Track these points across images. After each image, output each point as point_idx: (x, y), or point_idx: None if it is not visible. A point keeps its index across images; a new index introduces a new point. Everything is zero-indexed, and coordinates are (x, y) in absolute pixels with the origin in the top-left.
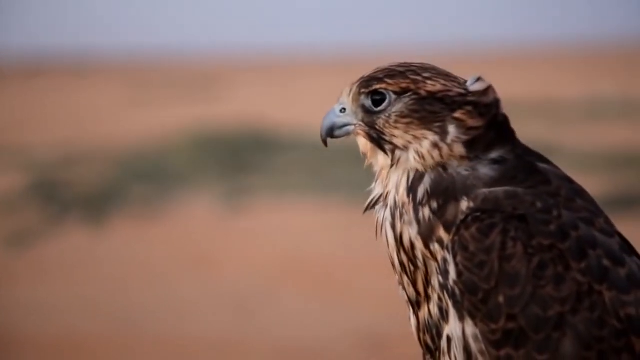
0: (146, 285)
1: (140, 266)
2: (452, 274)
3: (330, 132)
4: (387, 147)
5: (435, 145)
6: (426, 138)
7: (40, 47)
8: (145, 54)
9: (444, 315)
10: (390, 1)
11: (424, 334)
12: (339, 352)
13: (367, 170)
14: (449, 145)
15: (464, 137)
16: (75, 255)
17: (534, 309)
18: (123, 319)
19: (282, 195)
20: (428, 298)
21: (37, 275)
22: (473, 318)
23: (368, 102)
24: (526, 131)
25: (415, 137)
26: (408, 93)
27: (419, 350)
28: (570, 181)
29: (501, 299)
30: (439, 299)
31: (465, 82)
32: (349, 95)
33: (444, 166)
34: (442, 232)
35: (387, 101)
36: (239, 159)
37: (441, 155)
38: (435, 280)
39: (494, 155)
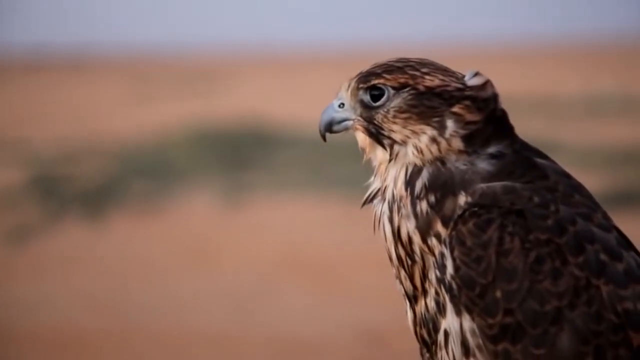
0: (146, 280)
1: (140, 262)
2: (450, 269)
3: (329, 127)
4: (386, 141)
5: (433, 139)
6: (424, 133)
7: (40, 42)
8: (145, 49)
9: (440, 309)
10: None
11: (421, 327)
12: (338, 347)
13: (367, 166)
14: (447, 140)
15: (462, 132)
16: (75, 250)
17: (531, 303)
18: (123, 314)
19: (281, 191)
20: (425, 292)
21: (37, 271)
22: (470, 313)
23: (366, 97)
24: (526, 128)
25: (414, 132)
26: (406, 88)
27: (417, 345)
28: (568, 176)
29: (498, 293)
30: (436, 293)
31: (463, 76)
32: (348, 90)
33: (442, 160)
34: (439, 227)
35: (385, 96)
36: (239, 154)
37: (439, 150)
38: (433, 275)
39: (492, 149)
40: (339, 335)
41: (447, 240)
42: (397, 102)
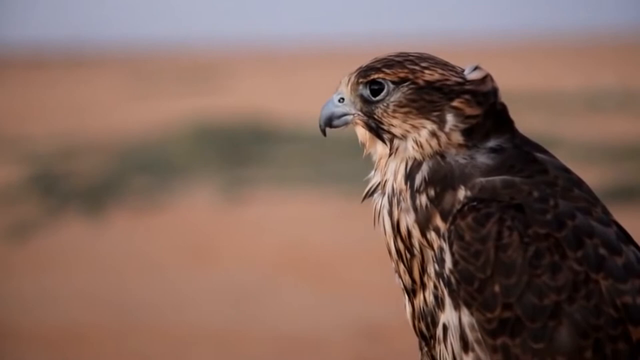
0: (146, 276)
1: (140, 258)
2: (448, 263)
3: (329, 122)
4: (386, 136)
5: (433, 134)
6: (424, 127)
7: (41, 38)
8: (145, 45)
9: (439, 303)
10: None
11: (419, 321)
12: (338, 343)
13: (367, 161)
14: (447, 134)
15: (462, 126)
16: (74, 247)
17: (529, 297)
18: (123, 311)
19: (281, 187)
20: (423, 286)
21: (37, 267)
22: (469, 307)
23: (366, 92)
24: (526, 123)
25: (414, 126)
26: (406, 82)
27: (417, 341)
28: (567, 171)
29: (497, 288)
30: (435, 287)
31: (463, 71)
32: (347, 85)
33: (442, 154)
34: (438, 221)
35: (385, 91)
36: (239, 150)
37: (439, 144)
38: (431, 269)
39: (491, 144)
40: (340, 331)
41: (446, 235)
42: (396, 96)
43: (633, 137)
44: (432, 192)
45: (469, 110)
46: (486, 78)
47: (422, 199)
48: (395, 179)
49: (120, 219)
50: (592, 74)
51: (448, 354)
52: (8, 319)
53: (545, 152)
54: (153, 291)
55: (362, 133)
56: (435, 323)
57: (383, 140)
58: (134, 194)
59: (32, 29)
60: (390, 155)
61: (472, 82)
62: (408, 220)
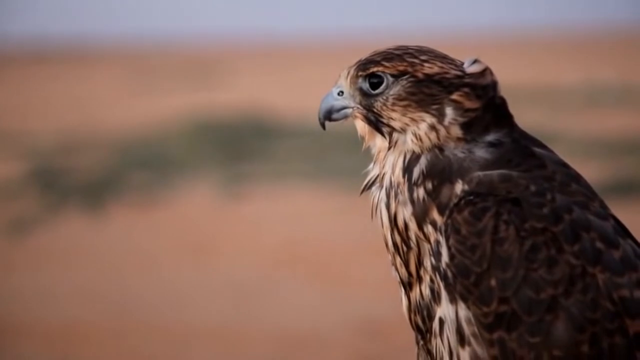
0: (145, 272)
1: (139, 253)
2: (445, 257)
3: (328, 115)
4: (385, 129)
5: (432, 127)
6: (423, 120)
7: (41, 34)
8: (146, 41)
9: (435, 297)
10: None
11: (415, 314)
12: (339, 339)
13: (367, 156)
14: (446, 128)
15: (461, 119)
16: (74, 242)
17: (526, 291)
18: (122, 307)
19: (282, 182)
20: (420, 279)
21: (36, 263)
22: (465, 301)
23: (366, 85)
24: (525, 118)
25: (413, 120)
26: (405, 76)
27: (416, 337)
28: (566, 166)
29: (493, 282)
30: (431, 280)
31: (462, 64)
32: (347, 78)
33: (440, 148)
34: (435, 214)
35: (384, 84)
36: (239, 145)
37: (438, 137)
38: (428, 262)
39: (490, 138)
40: (340, 327)
41: (443, 228)
42: (396, 89)
43: (632, 132)
44: (429, 185)
45: (469, 104)
46: (485, 71)
47: (420, 192)
48: (393, 172)
49: (120, 215)
50: (592, 69)
51: (444, 347)
52: (7, 314)
53: (543, 146)
54: (152, 287)
55: (361, 126)
56: (431, 316)
57: (382, 134)
58: (134, 190)
59: (32, 24)
60: (389, 148)
61: (471, 75)
62: (405, 213)
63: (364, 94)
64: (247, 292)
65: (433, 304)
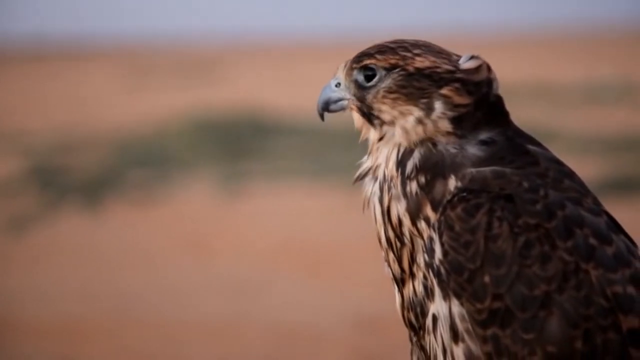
0: (144, 270)
1: (138, 251)
2: (438, 254)
3: (326, 107)
4: (376, 121)
5: (419, 121)
6: (411, 114)
7: (39, 32)
8: (145, 38)
9: (428, 293)
10: None
11: (408, 311)
12: (336, 335)
13: (365, 153)
14: (434, 122)
15: (451, 114)
16: (73, 240)
17: (519, 288)
18: (121, 304)
19: (279, 180)
20: (413, 275)
21: (35, 261)
22: (459, 298)
23: (360, 78)
24: (524, 115)
25: (401, 113)
26: (396, 69)
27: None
28: (559, 163)
29: (487, 278)
30: (424, 277)
31: (459, 59)
32: (344, 70)
33: (434, 142)
34: (429, 210)
35: (377, 77)
36: (237, 143)
37: (425, 131)
38: (421, 258)
39: (482, 136)
40: (337, 324)
41: (436, 225)
42: (387, 82)
43: (631, 129)
44: (422, 180)
45: (458, 99)
46: (480, 67)
47: (413, 186)
48: (387, 165)
49: (119, 213)
50: (591, 66)
51: (438, 344)
52: (5, 312)
53: (538, 144)
54: (151, 285)
55: (357, 118)
56: (424, 313)
57: (373, 126)
58: (132, 188)
59: (30, 22)
60: (380, 140)
61: (464, 71)
62: (399, 209)
63: (358, 86)
64: (246, 289)
65: (426, 300)
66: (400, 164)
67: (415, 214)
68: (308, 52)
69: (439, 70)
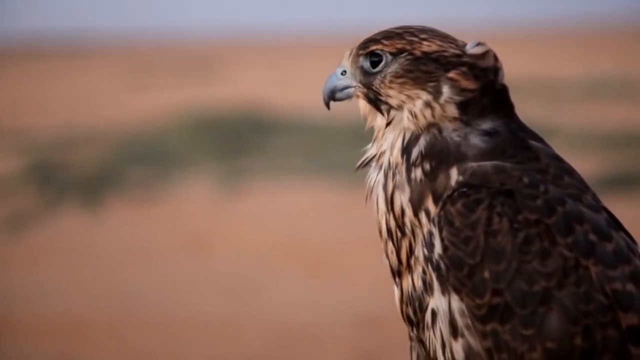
0: (144, 267)
1: (137, 249)
2: (438, 248)
3: (332, 95)
4: (383, 107)
5: (428, 104)
6: (419, 97)
7: (39, 29)
8: (144, 36)
9: (427, 288)
10: None
11: (407, 305)
12: (337, 334)
13: (365, 153)
14: (442, 106)
15: (458, 98)
16: (72, 238)
17: (519, 283)
18: (120, 302)
19: (280, 178)
20: (410, 268)
21: (35, 259)
22: (459, 293)
23: (366, 64)
24: (525, 111)
25: (409, 97)
26: (404, 53)
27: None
28: (559, 160)
29: (486, 274)
30: (423, 271)
31: (465, 45)
32: (349, 57)
33: (439, 129)
34: (430, 203)
35: (383, 62)
36: (237, 141)
37: (433, 115)
38: (420, 252)
39: (486, 126)
40: (337, 322)
41: (436, 220)
42: (394, 67)
43: (631, 124)
44: (427, 166)
45: (465, 83)
46: (487, 54)
47: (417, 173)
48: (391, 152)
49: (119, 211)
50: (591, 62)
51: (437, 339)
52: (6, 310)
53: (540, 140)
54: (151, 282)
55: (363, 106)
56: (423, 308)
57: (381, 111)
58: (132, 185)
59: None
60: (387, 125)
61: (471, 55)
62: (403, 199)
63: (364, 72)
64: (246, 287)
65: (425, 295)
66: (406, 150)
67: (417, 205)
68: (308, 50)
69: (446, 54)
